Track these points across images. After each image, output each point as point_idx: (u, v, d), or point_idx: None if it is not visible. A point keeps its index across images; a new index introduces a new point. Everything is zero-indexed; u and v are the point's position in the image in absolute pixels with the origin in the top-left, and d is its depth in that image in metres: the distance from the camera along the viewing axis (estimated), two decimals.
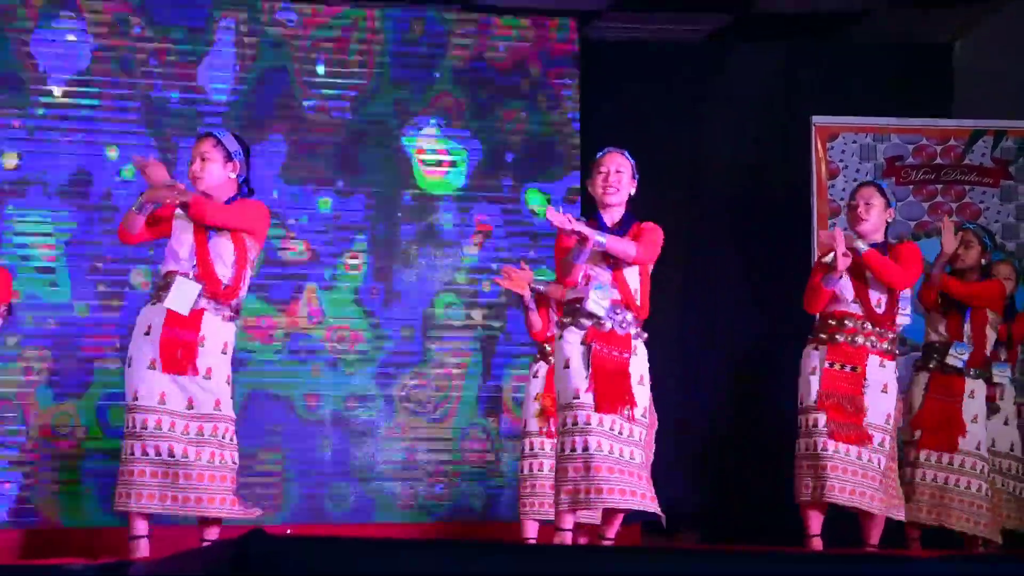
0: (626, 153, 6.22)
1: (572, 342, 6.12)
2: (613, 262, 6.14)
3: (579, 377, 6.07)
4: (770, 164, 9.62)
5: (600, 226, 6.13)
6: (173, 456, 6.10)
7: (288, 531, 7.96)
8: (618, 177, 6.15)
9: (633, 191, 6.19)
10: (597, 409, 6.08)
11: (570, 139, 9.20)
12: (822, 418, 6.62)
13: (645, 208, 6.27)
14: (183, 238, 6.20)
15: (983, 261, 7.56)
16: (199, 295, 6.13)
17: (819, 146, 9.16)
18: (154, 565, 4.60)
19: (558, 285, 7.23)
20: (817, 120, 9.13)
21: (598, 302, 6.04)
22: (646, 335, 6.22)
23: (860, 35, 9.89)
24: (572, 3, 9.31)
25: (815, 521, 6.67)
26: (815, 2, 9.39)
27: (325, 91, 9.29)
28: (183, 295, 6.10)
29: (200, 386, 6.15)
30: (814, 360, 6.75)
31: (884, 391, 6.65)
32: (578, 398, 6.06)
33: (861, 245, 6.66)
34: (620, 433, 6.12)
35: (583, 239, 5.92)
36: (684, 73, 9.81)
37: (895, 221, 8.11)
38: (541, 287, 7.62)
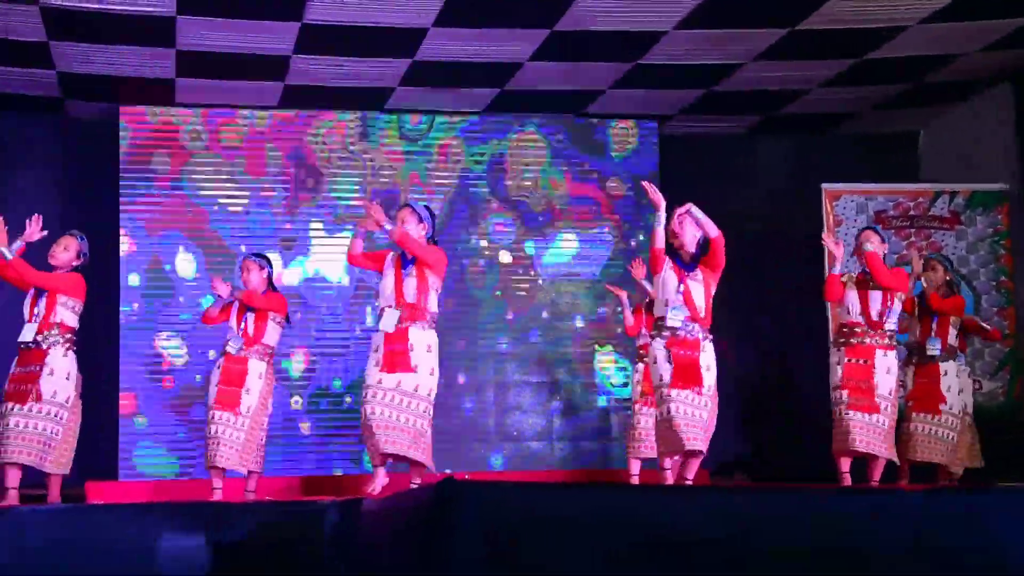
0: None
1: (658, 347, 7.16)
2: (685, 291, 7.12)
3: (664, 370, 7.10)
4: (794, 217, 10.80)
5: (678, 262, 7.17)
6: (390, 418, 7.10)
7: (466, 476, 8.83)
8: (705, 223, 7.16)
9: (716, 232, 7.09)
10: (672, 386, 7.06)
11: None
12: (845, 394, 7.70)
13: None
14: (386, 283, 7.35)
15: (947, 278, 8.64)
16: (400, 318, 7.20)
17: (827, 204, 10.43)
18: (378, 500, 5.13)
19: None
20: (826, 186, 10.47)
21: (675, 319, 7.11)
22: (711, 337, 7.18)
23: (853, 128, 11.28)
24: (654, 110, 10.75)
25: (844, 465, 7.72)
26: (820, 106, 10.63)
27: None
28: (389, 320, 7.26)
29: (408, 376, 7.17)
30: (836, 356, 7.85)
31: (888, 372, 7.75)
32: (663, 382, 7.10)
33: (869, 246, 7.75)
34: (693, 402, 7.08)
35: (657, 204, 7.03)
36: (731, 155, 11.30)
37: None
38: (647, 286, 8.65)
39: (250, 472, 8.06)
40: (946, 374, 8.51)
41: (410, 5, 8.39)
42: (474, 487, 4.02)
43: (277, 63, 9.44)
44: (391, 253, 7.50)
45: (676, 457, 7.19)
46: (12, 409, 7.38)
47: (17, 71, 9.47)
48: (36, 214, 7.57)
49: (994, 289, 10.41)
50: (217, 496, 7.90)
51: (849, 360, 7.77)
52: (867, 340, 7.78)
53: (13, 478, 7.43)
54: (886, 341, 7.83)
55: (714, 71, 9.87)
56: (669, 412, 7.08)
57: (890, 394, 7.77)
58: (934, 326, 8.55)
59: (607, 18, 8.70)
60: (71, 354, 7.52)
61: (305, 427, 10.38)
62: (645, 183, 7.32)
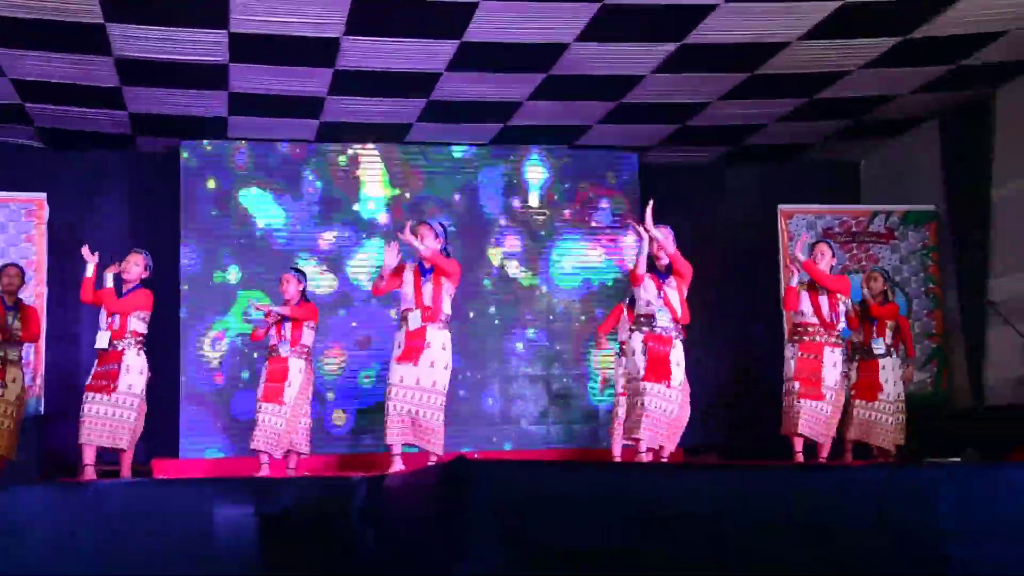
0: (668, 226, 7.33)
1: (637, 339, 7.19)
2: (665, 297, 7.16)
3: (640, 363, 7.13)
4: (754, 232, 10.77)
5: (656, 272, 7.21)
6: (409, 413, 7.16)
7: (475, 455, 8.62)
8: (665, 242, 7.23)
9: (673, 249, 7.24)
10: (646, 379, 7.08)
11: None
12: (797, 384, 7.72)
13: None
14: (407, 289, 7.38)
15: (885, 288, 8.60)
16: (421, 318, 7.23)
17: (783, 222, 10.36)
18: (400, 476, 5.15)
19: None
20: (781, 207, 10.41)
21: (662, 319, 7.18)
22: (683, 336, 7.24)
23: (805, 157, 11.29)
24: (635, 142, 10.70)
25: (798, 445, 7.73)
26: (778, 138, 10.59)
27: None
28: (414, 320, 7.27)
29: (425, 371, 7.19)
30: (791, 351, 7.87)
31: (834, 366, 7.79)
32: (639, 374, 7.11)
33: (800, 256, 7.74)
34: (663, 395, 7.09)
35: (641, 235, 7.10)
36: (701, 181, 11.25)
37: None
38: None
39: (290, 452, 8.10)
40: (884, 368, 8.49)
41: (426, 53, 8.41)
42: (483, 465, 4.12)
43: (313, 102, 9.46)
44: (407, 265, 7.44)
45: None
46: (93, 397, 7.50)
47: (95, 112, 9.53)
48: (84, 247, 7.73)
49: (924, 295, 10.38)
50: (264, 472, 7.95)
51: (802, 355, 7.80)
52: (818, 338, 7.80)
53: (89, 455, 7.52)
54: (834, 340, 7.87)
55: (686, 108, 9.86)
56: (644, 404, 7.07)
57: (835, 385, 7.79)
58: (875, 329, 8.55)
59: (594, 64, 8.71)
60: (143, 354, 7.64)
61: (338, 414, 10.34)
62: (630, 219, 7.29)
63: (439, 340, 7.27)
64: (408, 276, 7.35)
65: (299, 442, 8.12)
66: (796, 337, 7.91)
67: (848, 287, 8.03)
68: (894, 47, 8.41)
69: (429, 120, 9.96)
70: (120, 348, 7.53)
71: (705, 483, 4.15)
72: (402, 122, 10.06)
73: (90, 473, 7.49)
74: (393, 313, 9.71)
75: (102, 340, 7.55)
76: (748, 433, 10.26)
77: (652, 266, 7.34)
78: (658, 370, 7.10)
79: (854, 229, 10.55)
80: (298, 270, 8.46)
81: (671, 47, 8.38)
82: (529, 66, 8.77)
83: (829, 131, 10.58)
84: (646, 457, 7.18)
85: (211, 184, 10.33)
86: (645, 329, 7.17)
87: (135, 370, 7.55)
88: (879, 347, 8.45)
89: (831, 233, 10.43)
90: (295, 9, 7.60)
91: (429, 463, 7.07)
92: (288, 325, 8.12)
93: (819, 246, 8.00)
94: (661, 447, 7.22)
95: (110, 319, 7.57)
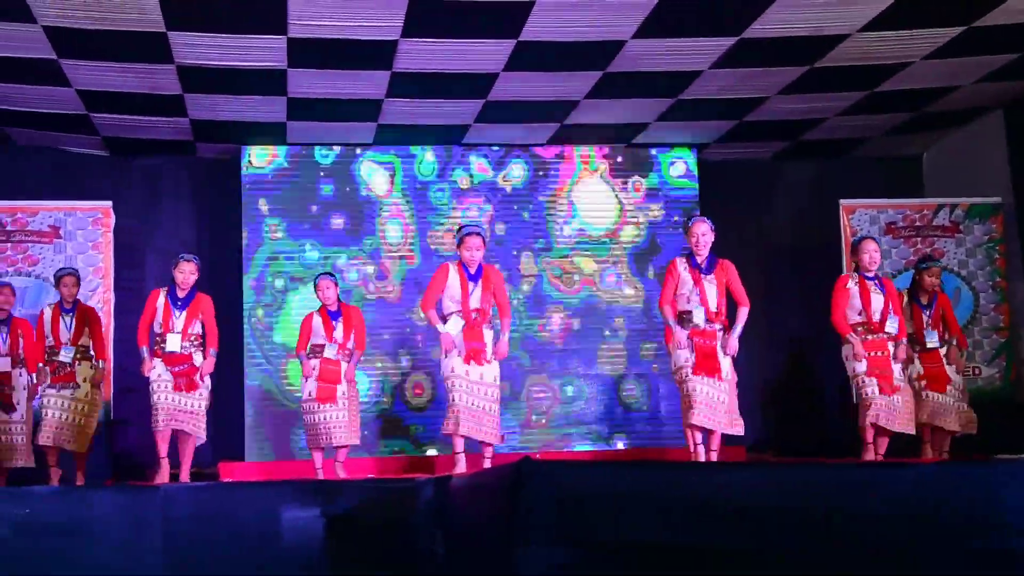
0: (708, 220, 7.43)
1: (682, 336, 7.28)
2: (701, 292, 7.22)
3: (687, 357, 7.23)
4: (815, 228, 10.73)
5: (695, 265, 7.32)
6: (474, 406, 7.34)
7: (538, 455, 8.66)
8: (705, 239, 7.35)
9: (712, 239, 7.35)
10: (694, 373, 7.20)
11: (695, 210, 10.45)
12: (874, 380, 7.64)
13: (743, 257, 7.63)
14: (454, 292, 7.54)
15: (939, 280, 8.61)
16: (472, 321, 7.41)
17: (844, 218, 10.26)
18: (465, 478, 5.15)
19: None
20: (843, 202, 10.32)
21: (698, 315, 7.24)
22: (727, 327, 7.26)
23: (867, 151, 11.09)
24: (694, 139, 10.70)
25: (870, 436, 7.59)
26: (838, 132, 10.48)
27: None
28: (455, 324, 7.49)
29: (487, 368, 7.44)
30: (850, 350, 7.73)
31: (895, 359, 7.75)
32: (688, 363, 7.21)
33: (901, 354, 7.73)
34: (713, 386, 7.20)
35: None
36: (759, 176, 11.21)
37: (892, 259, 9.75)
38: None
39: (340, 447, 8.22)
40: (946, 359, 8.46)
41: (483, 53, 8.42)
42: (547, 465, 4.03)
43: (372, 105, 9.50)
44: (450, 266, 7.53)
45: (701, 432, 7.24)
46: (177, 394, 7.71)
47: (158, 120, 9.67)
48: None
49: (991, 288, 10.22)
50: (317, 465, 8.23)
51: (869, 354, 7.69)
52: (880, 335, 7.73)
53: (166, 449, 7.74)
54: (886, 336, 7.80)
55: (745, 104, 9.78)
56: (692, 392, 7.15)
57: (900, 375, 7.76)
58: (928, 321, 8.47)
59: (651, 60, 8.66)
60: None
61: (391, 412, 10.39)
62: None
63: (490, 339, 7.45)
64: (454, 280, 7.47)
65: (350, 435, 8.23)
66: (859, 336, 7.79)
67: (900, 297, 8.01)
68: (957, 37, 8.30)
69: (486, 121, 9.97)
70: (189, 352, 7.78)
71: (764, 480, 4.12)
72: (460, 123, 10.08)
73: (165, 470, 7.69)
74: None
75: (174, 342, 7.73)
76: (806, 430, 10.19)
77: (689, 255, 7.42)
78: (706, 364, 7.18)
79: (918, 223, 10.41)
80: (332, 274, 8.58)
81: (730, 41, 8.33)
82: (586, 64, 8.74)
83: (890, 124, 10.42)
84: (701, 451, 7.21)
85: (272, 188, 10.41)
86: (689, 325, 7.25)
87: (205, 369, 7.84)
88: (932, 339, 8.39)
89: (894, 228, 10.31)
90: (353, 13, 7.65)
91: (484, 458, 7.27)
92: (340, 329, 8.27)
93: (868, 244, 7.91)
94: (711, 437, 7.27)
95: (170, 323, 7.77)
